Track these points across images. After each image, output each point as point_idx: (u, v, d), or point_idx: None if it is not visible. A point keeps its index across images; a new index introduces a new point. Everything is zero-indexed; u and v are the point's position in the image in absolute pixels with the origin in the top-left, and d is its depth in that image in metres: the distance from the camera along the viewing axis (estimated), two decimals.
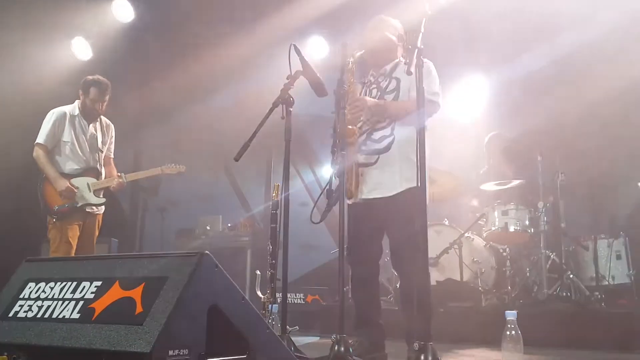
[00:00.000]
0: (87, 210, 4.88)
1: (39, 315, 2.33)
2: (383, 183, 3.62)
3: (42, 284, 2.45)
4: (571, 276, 5.17)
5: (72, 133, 4.89)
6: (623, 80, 6.02)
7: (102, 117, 5.09)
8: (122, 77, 6.18)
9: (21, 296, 2.47)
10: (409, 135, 3.55)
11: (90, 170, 4.95)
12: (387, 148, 3.64)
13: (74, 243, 4.77)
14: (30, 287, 2.48)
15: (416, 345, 2.61)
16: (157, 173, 5.19)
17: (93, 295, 2.28)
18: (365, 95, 3.80)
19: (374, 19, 3.98)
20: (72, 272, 2.45)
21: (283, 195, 3.34)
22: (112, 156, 5.21)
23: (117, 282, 2.26)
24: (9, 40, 6.53)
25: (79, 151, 4.91)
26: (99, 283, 2.31)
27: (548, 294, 4.98)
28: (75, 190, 4.79)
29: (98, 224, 5.02)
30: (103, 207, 5.03)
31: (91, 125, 5.00)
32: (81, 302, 2.27)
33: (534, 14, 6.44)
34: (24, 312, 2.39)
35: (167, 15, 7.59)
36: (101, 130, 5.07)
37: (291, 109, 3.35)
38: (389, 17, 3.94)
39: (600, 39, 6.06)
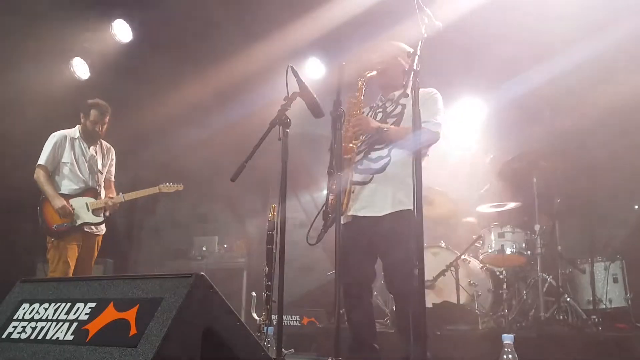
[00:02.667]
0: (86, 230, 4.92)
1: (32, 337, 2.31)
2: (373, 202, 3.63)
3: (37, 305, 2.44)
4: (568, 299, 5.16)
5: (72, 154, 5.00)
6: (619, 101, 6.06)
7: (102, 140, 5.18)
8: (120, 97, 6.20)
9: (15, 317, 2.45)
10: (405, 158, 3.59)
11: (89, 191, 5.00)
12: (382, 169, 3.65)
13: (72, 263, 4.80)
14: (24, 308, 2.46)
15: None
16: (155, 192, 5.26)
17: (87, 316, 2.26)
18: (370, 117, 3.82)
19: (387, 43, 4.00)
20: (67, 293, 2.44)
21: (279, 216, 3.33)
22: (113, 179, 5.30)
23: (111, 304, 2.25)
24: (9, 60, 6.55)
25: (78, 172, 4.98)
26: (93, 304, 2.29)
27: (545, 317, 4.96)
28: (72, 209, 4.81)
29: (98, 245, 5.06)
30: (104, 228, 5.07)
31: (91, 147, 5.10)
32: (75, 324, 2.25)
33: (530, 36, 6.50)
34: (18, 333, 2.37)
35: (166, 36, 7.63)
36: (101, 153, 5.16)
37: (288, 130, 3.36)
38: (399, 42, 3.95)
39: (595, 60, 6.11)
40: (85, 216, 4.90)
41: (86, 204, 4.92)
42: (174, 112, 7.69)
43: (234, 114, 7.99)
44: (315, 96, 3.43)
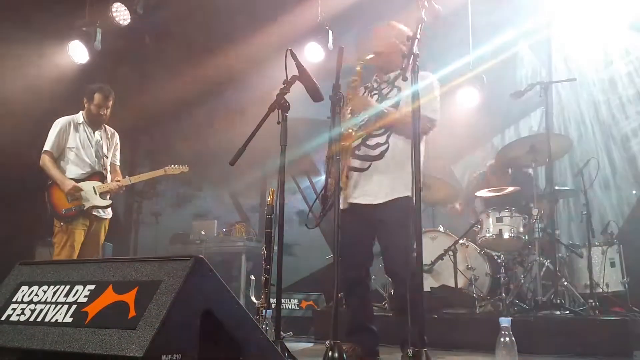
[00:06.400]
0: (94, 213, 4.94)
1: (31, 319, 2.32)
2: (372, 190, 3.63)
3: (35, 287, 2.45)
4: (565, 283, 5.17)
5: (78, 139, 5.02)
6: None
7: (106, 125, 5.17)
8: (118, 81, 6.19)
9: (14, 299, 2.46)
10: (403, 145, 3.58)
11: (96, 175, 5.03)
12: (381, 156, 3.64)
13: (77, 248, 4.84)
14: (23, 291, 2.47)
15: (410, 352, 2.61)
16: (160, 174, 5.29)
17: (86, 299, 2.27)
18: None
19: (383, 24, 3.95)
20: (66, 275, 2.45)
21: (278, 200, 3.34)
22: (118, 163, 5.31)
23: (110, 286, 2.26)
24: (6, 43, 6.52)
25: (84, 157, 5.01)
26: (92, 287, 2.30)
27: (542, 301, 4.98)
28: (82, 191, 4.84)
29: (105, 229, 5.09)
30: (110, 212, 5.09)
31: (96, 132, 5.12)
32: (74, 306, 2.26)
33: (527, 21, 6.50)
34: (17, 315, 2.38)
35: (165, 19, 7.59)
36: (106, 137, 5.18)
37: (287, 114, 3.36)
38: (398, 24, 3.90)
39: None
40: (93, 199, 4.93)
41: (93, 187, 4.96)
42: (173, 95, 7.67)
43: (233, 98, 7.99)
44: (314, 80, 3.42)
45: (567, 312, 4.80)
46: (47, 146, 4.94)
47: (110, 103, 5.08)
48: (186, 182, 8.10)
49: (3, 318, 2.40)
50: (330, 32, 6.97)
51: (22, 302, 2.42)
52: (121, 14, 7.00)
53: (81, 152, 4.99)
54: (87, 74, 6.90)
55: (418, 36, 2.95)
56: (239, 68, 7.53)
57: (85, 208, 4.89)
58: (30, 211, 5.03)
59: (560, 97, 7.31)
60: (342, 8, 6.64)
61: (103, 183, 5.02)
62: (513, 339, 2.78)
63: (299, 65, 3.39)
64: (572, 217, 6.75)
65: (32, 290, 2.44)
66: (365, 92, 3.89)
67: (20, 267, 2.64)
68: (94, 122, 5.08)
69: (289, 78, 3.39)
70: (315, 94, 3.42)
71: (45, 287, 2.42)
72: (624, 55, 7.02)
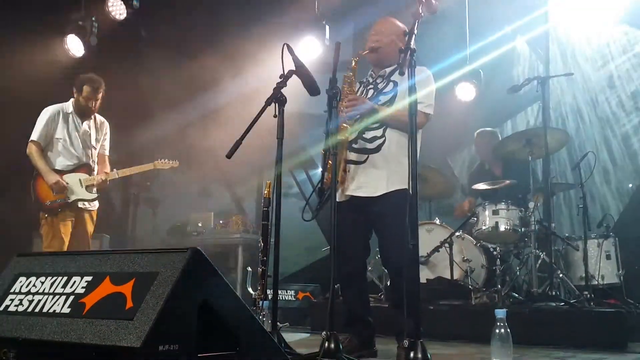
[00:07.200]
0: (79, 205, 4.89)
1: (29, 310, 2.34)
2: (369, 183, 3.64)
3: (33, 279, 2.46)
4: (561, 275, 5.20)
5: (65, 130, 4.94)
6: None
7: (96, 114, 5.11)
8: (114, 74, 6.17)
9: (12, 290, 2.48)
10: (400, 138, 3.60)
11: (83, 167, 4.96)
12: (377, 149, 3.65)
13: (67, 239, 4.79)
14: (21, 282, 2.49)
15: (406, 343, 2.64)
16: (149, 168, 5.23)
17: (84, 290, 2.29)
18: (362, 95, 3.82)
19: (380, 19, 3.97)
20: (63, 266, 2.46)
21: (275, 192, 3.35)
22: (107, 154, 5.23)
23: (107, 277, 2.28)
24: (1, 35, 6.50)
25: (72, 148, 4.94)
26: (89, 278, 2.32)
27: (538, 293, 5.01)
28: (66, 184, 4.80)
29: (92, 220, 5.04)
30: (97, 203, 5.05)
31: (85, 122, 5.03)
32: (72, 297, 2.28)
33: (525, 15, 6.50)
34: (15, 306, 2.40)
35: (161, 13, 7.58)
36: (95, 127, 5.09)
37: (284, 108, 3.37)
38: (395, 20, 3.92)
39: None
40: (79, 192, 4.88)
41: (80, 180, 4.90)
42: (168, 89, 7.67)
43: (230, 91, 7.97)
44: (311, 74, 3.43)
45: (562, 303, 4.83)
46: (34, 136, 4.86)
47: (100, 95, 4.98)
48: (183, 174, 8.10)
49: (1, 309, 2.42)
50: (327, 27, 6.97)
51: (20, 292, 2.44)
52: (117, 8, 6.99)
53: (68, 143, 4.92)
54: (83, 67, 6.87)
55: (415, 31, 2.97)
56: (236, 61, 7.51)
57: (70, 201, 4.84)
58: (26, 202, 5.00)
59: (557, 91, 7.32)
60: (339, 3, 6.63)
61: (90, 175, 4.95)
62: (508, 330, 2.80)
63: (296, 60, 3.40)
64: (571, 209, 6.77)
65: (30, 282, 2.46)
66: (361, 87, 3.90)
67: (17, 259, 2.66)
68: (83, 113, 5.00)
69: (285, 72, 3.40)
70: (312, 88, 3.43)
71: (42, 278, 2.44)
72: (621, 51, 7.03)
